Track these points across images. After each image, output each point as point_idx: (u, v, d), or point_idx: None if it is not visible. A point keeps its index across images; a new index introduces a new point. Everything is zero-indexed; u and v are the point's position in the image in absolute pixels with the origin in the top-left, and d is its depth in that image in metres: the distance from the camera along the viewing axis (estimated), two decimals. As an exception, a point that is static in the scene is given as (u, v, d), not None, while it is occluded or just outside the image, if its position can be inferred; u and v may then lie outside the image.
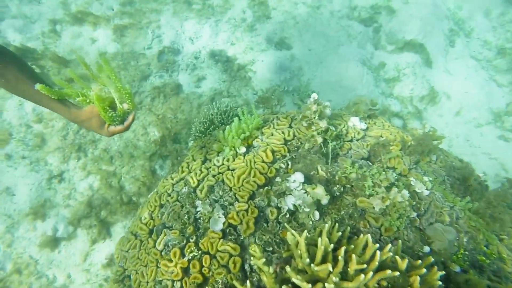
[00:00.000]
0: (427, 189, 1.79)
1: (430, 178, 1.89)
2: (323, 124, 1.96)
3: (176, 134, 3.58)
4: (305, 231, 1.29)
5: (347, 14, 5.12)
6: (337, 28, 4.97)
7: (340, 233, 1.34)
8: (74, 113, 1.40)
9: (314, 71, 4.48)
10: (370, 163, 2.07)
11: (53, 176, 3.24)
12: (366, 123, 2.42)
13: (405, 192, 1.58)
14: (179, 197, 2.05)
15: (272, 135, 2.16)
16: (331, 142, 2.01)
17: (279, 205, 1.78)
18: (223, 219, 1.71)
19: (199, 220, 1.83)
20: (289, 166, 1.99)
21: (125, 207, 3.16)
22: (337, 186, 1.84)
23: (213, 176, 2.04)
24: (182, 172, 2.23)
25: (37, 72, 1.41)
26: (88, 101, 1.37)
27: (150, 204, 2.18)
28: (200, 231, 1.83)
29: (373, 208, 1.70)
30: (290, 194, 1.72)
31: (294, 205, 1.65)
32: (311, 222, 1.71)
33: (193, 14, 4.67)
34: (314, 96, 1.94)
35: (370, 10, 5.06)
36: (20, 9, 4.24)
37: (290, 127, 2.25)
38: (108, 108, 1.36)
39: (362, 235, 1.40)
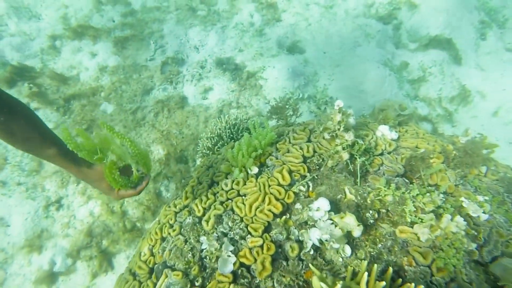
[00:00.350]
0: (484, 212, 1.49)
1: (486, 197, 1.59)
2: (349, 136, 1.69)
3: (182, 151, 3.38)
4: (339, 285, 1.01)
5: (363, 12, 4.87)
6: (353, 28, 4.72)
7: (384, 283, 1.06)
8: (84, 171, 1.36)
9: (330, 75, 4.23)
10: (406, 180, 1.78)
11: (51, 203, 3.08)
12: (397, 132, 2.13)
13: (460, 220, 1.29)
14: (182, 229, 1.81)
15: (288, 151, 1.91)
16: (359, 158, 1.73)
17: (300, 238, 1.51)
18: (233, 259, 1.46)
19: (205, 259, 1.58)
20: (310, 189, 1.73)
21: (128, 234, 2.95)
22: (370, 211, 1.56)
23: (221, 203, 1.80)
24: (186, 198, 2.00)
25: (47, 126, 1.31)
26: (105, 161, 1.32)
27: (151, 237, 1.95)
28: (207, 271, 1.58)
29: (418, 239, 1.41)
30: (314, 226, 1.45)
31: (320, 240, 1.38)
32: (341, 259, 1.43)
33: (198, 21, 4.53)
34: (339, 103, 1.68)
35: (388, 6, 4.79)
36: (19, 26, 4.20)
37: (309, 141, 1.99)
38: (119, 178, 1.31)
39: (410, 283, 1.11)
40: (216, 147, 2.81)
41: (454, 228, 1.24)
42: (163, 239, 1.91)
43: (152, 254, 1.88)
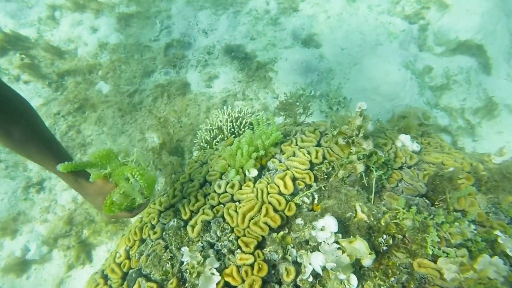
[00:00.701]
0: (523, 252, 1.26)
1: (525, 233, 1.36)
2: (367, 145, 1.47)
3: (179, 141, 3.17)
4: None
5: (388, 9, 4.59)
6: (376, 25, 4.45)
7: None
8: (81, 183, 1.30)
9: (346, 74, 3.98)
10: (427, 202, 1.56)
11: (31, 184, 2.90)
12: (419, 144, 1.91)
13: (500, 263, 1.07)
14: (164, 232, 1.61)
15: (294, 155, 1.69)
16: (376, 171, 1.51)
17: (299, 260, 1.31)
18: (217, 278, 1.25)
19: (186, 273, 1.38)
20: (316, 201, 1.52)
21: (111, 226, 2.77)
22: (384, 236, 1.34)
23: (211, 207, 1.60)
24: (174, 196, 1.80)
25: (48, 129, 1.26)
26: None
27: (129, 237, 1.75)
28: (187, 285, 1.38)
29: (441, 277, 1.19)
30: (317, 248, 1.24)
31: (324, 268, 1.17)
32: (345, 291, 1.22)
33: (209, 3, 4.29)
34: (362, 105, 1.45)
35: (416, 5, 4.50)
36: (18, -8, 3.99)
37: (319, 145, 1.77)
38: (117, 210, 1.31)
39: None
40: (215, 140, 2.61)
41: (493, 274, 1.01)
42: (142, 241, 1.72)
43: (128, 257, 1.68)
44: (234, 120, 2.65)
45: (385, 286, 1.25)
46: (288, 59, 3.91)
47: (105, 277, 1.68)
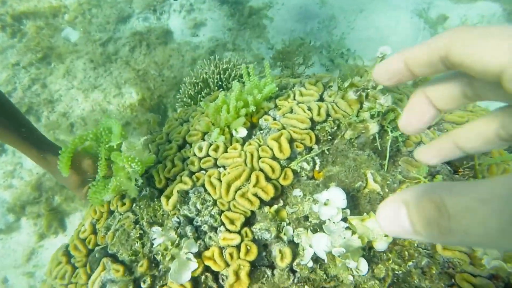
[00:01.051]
0: None
1: None
2: (385, 100, 1.20)
3: (160, 97, 2.86)
4: None
5: None
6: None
7: None
8: (50, 160, 1.28)
9: (351, 22, 3.60)
10: (449, 169, 1.33)
11: (-9, 145, 2.63)
12: (439, 100, 1.64)
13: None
14: (134, 204, 1.38)
15: (291, 111, 1.42)
16: (391, 132, 1.26)
17: (296, 240, 1.09)
18: (194, 265, 1.04)
19: (157, 255, 1.16)
20: (317, 168, 1.27)
21: (86, 192, 2.54)
22: (401, 211, 1.12)
23: (190, 174, 1.35)
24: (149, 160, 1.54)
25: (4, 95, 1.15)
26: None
27: (95, 208, 1.52)
28: (160, 268, 1.17)
29: (471, 263, 0.99)
30: (320, 227, 1.02)
31: (329, 254, 0.95)
32: (351, 277, 1.02)
33: None
34: (385, 49, 1.14)
35: None
36: None
37: (321, 99, 1.49)
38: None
39: None
40: (199, 95, 2.32)
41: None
42: (110, 213, 1.49)
43: (94, 232, 1.47)
44: (221, 72, 2.34)
45: (400, 271, 1.04)
46: (284, 4, 3.51)
47: (69, 254, 1.47)
